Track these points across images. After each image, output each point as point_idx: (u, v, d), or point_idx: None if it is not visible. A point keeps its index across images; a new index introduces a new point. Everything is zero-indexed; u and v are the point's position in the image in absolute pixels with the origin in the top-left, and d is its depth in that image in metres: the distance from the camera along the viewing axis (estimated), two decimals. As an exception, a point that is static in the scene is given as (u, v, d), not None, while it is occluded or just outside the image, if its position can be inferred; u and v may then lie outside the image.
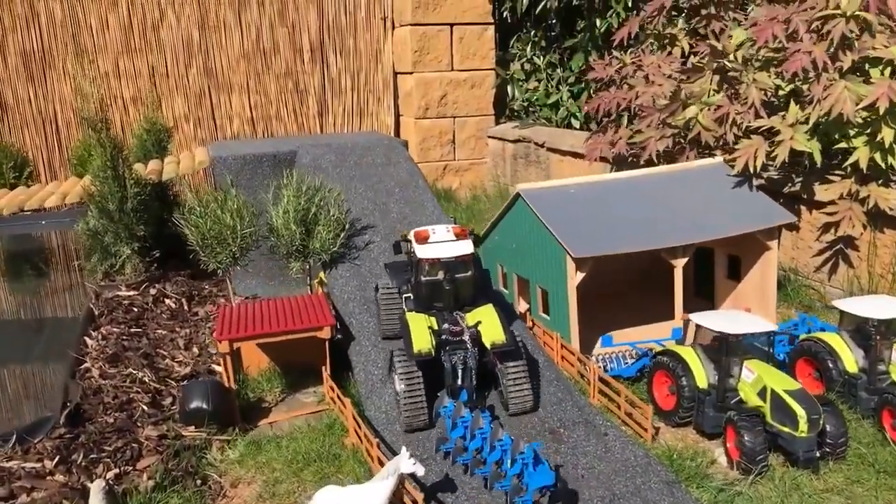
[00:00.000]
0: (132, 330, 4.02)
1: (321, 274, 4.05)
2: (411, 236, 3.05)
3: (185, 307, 4.41)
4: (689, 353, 2.98)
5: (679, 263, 3.56)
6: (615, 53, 4.96)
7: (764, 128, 3.77)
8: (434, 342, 2.83)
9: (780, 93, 3.86)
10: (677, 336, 3.36)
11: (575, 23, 7.41)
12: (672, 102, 3.94)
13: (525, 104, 7.80)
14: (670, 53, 4.85)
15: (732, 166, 3.87)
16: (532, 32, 7.61)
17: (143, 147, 5.53)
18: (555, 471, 2.44)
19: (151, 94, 6.96)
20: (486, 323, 2.89)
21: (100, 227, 4.55)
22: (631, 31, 4.87)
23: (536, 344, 3.52)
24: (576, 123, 7.36)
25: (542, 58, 7.63)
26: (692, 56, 4.41)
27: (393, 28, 7.86)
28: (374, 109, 8.12)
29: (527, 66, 7.77)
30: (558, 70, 7.49)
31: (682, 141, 4.15)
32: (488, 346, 2.84)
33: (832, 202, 3.94)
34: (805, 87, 3.75)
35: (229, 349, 3.13)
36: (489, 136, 7.78)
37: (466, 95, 7.67)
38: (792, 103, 3.70)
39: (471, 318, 2.96)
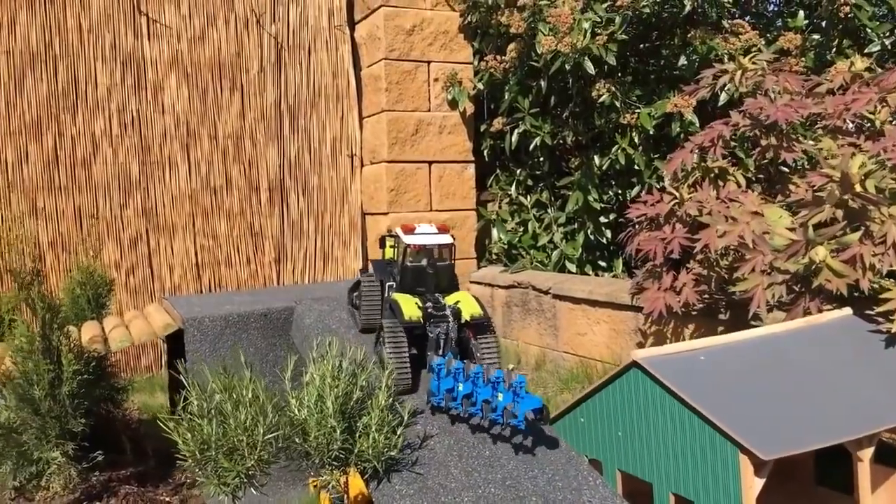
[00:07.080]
0: (66, 588, 2.65)
1: (334, 478, 2.84)
2: (398, 230, 3.41)
3: (143, 537, 3.08)
4: None
5: (866, 456, 2.66)
6: (666, 187, 4.31)
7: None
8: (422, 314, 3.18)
9: (920, 230, 3.21)
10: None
11: (564, 160, 6.87)
12: (794, 242, 3.20)
13: (505, 247, 7.05)
14: (719, 188, 4.22)
15: (881, 320, 3.10)
16: (518, 171, 7.01)
17: (75, 304, 4.26)
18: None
19: (88, 237, 5.71)
20: (463, 302, 3.26)
21: (16, 422, 3.22)
22: (685, 163, 4.23)
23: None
24: (571, 267, 6.62)
25: (527, 197, 6.98)
26: (786, 187, 3.78)
27: (361, 166, 7.08)
28: (340, 254, 7.14)
29: (506, 207, 7.09)
30: (549, 210, 6.84)
31: (796, 288, 3.39)
32: (467, 318, 3.18)
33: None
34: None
35: None
36: (472, 282, 6.90)
37: (447, 238, 6.85)
38: (948, 243, 3.03)
39: (449, 299, 3.29)
